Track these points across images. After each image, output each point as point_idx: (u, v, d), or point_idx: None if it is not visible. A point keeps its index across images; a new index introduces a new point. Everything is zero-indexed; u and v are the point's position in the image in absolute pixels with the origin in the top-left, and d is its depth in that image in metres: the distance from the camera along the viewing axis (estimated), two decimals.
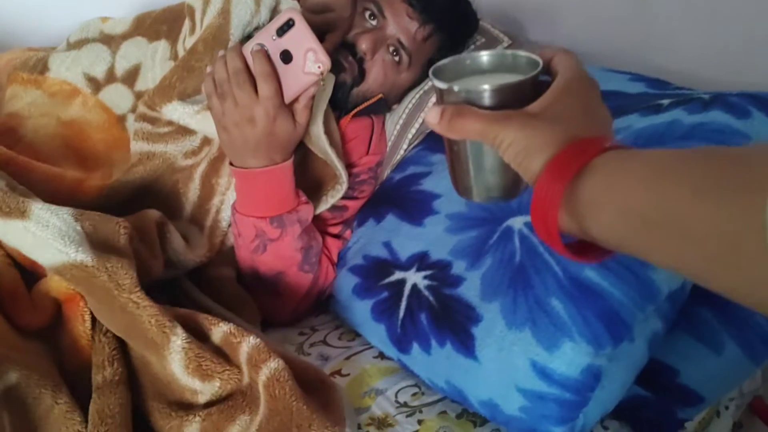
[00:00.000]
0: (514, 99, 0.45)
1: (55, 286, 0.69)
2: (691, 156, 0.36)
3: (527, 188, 0.49)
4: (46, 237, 0.64)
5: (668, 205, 0.34)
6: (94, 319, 0.69)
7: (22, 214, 0.65)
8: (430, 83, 1.05)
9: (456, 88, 0.46)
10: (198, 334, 0.68)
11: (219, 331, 0.69)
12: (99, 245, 0.67)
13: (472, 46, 1.10)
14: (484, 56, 0.51)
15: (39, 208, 0.66)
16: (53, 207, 0.67)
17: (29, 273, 0.71)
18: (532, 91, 0.45)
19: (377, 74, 0.98)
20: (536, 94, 0.45)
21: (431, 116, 0.47)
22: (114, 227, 0.71)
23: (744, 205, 0.30)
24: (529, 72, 0.46)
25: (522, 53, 0.49)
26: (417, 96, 1.06)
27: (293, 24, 0.74)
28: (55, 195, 0.73)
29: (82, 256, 0.64)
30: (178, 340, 0.65)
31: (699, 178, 0.34)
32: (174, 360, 0.65)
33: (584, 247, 0.44)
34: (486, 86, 0.45)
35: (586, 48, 1.12)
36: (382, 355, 0.85)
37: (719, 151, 0.37)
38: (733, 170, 0.33)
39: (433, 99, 1.03)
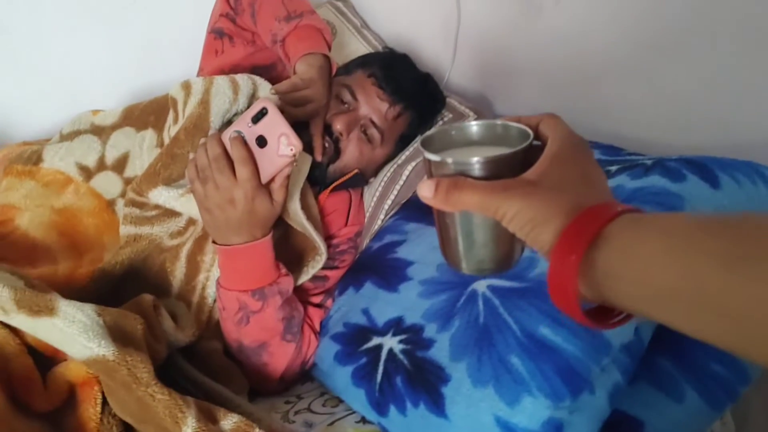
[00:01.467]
0: (507, 169, 0.45)
1: (75, 369, 0.73)
2: (711, 225, 0.35)
3: (520, 259, 0.50)
4: (72, 332, 0.70)
5: (697, 278, 0.33)
6: (103, 403, 0.73)
7: (51, 311, 0.71)
8: (403, 157, 1.13)
9: (449, 160, 0.45)
10: (210, 420, 0.73)
11: (229, 421, 0.74)
12: (119, 338, 0.73)
13: (440, 122, 1.18)
14: (474, 126, 0.51)
15: (65, 305, 0.72)
16: (78, 303, 0.73)
17: (45, 357, 0.75)
18: (524, 159, 0.45)
19: (352, 152, 1.06)
20: (528, 161, 0.45)
21: (425, 190, 0.45)
22: (132, 322, 0.77)
23: None
24: (519, 141, 0.46)
25: (512, 124, 0.49)
26: (391, 169, 1.13)
27: (266, 112, 0.80)
28: (52, 289, 0.78)
29: (104, 350, 0.70)
30: (189, 430, 0.69)
31: (727, 249, 0.33)
32: None
33: (603, 312, 0.43)
34: (481, 158, 0.44)
35: None
36: (364, 420, 0.88)
37: (736, 219, 0.35)
38: (760, 241, 0.32)
39: (407, 172, 1.10)
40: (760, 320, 0.31)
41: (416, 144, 1.15)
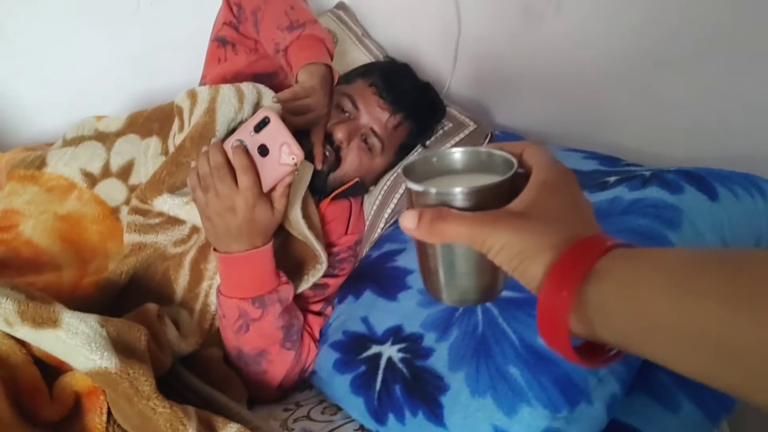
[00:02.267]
0: (492, 199, 0.43)
1: (81, 379, 0.74)
2: (710, 262, 0.35)
3: (502, 291, 0.49)
4: (75, 344, 0.70)
5: (697, 317, 0.33)
6: (109, 412, 0.74)
7: (54, 323, 0.71)
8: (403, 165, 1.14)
9: (432, 190, 0.44)
10: (210, 431, 0.74)
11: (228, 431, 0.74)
12: (122, 349, 0.74)
13: (441, 131, 1.19)
14: (457, 154, 0.49)
15: (69, 317, 0.73)
16: (81, 314, 0.74)
17: (51, 367, 0.76)
18: (508, 189, 0.44)
19: (352, 160, 1.07)
20: (512, 191, 0.44)
21: (407, 221, 0.44)
22: (136, 333, 0.78)
23: None
24: (503, 169, 0.45)
25: (497, 152, 0.47)
26: (391, 178, 1.14)
27: (269, 121, 0.81)
28: (57, 298, 0.78)
29: (106, 363, 0.70)
30: None
31: (727, 289, 0.32)
32: None
33: (592, 349, 0.42)
34: (465, 188, 0.43)
35: (545, 128, 1.22)
36: (362, 428, 0.88)
37: (735, 256, 0.35)
38: (761, 280, 0.31)
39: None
40: (764, 362, 0.30)
41: (415, 154, 1.16)
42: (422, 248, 0.47)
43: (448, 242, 0.44)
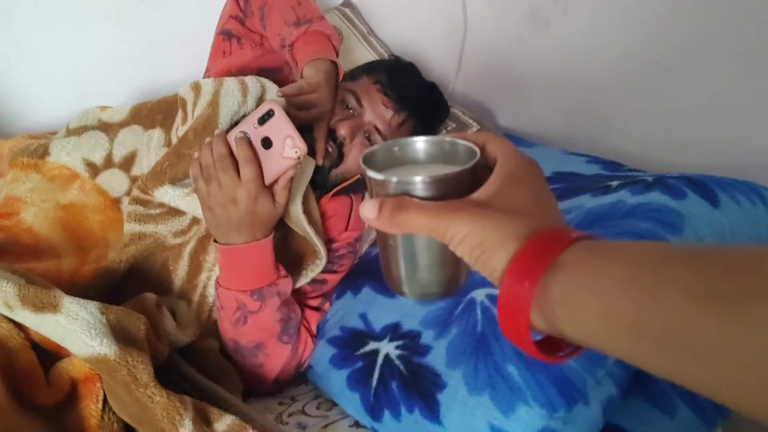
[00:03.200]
0: (454, 189, 0.42)
1: (77, 365, 0.74)
2: (680, 257, 0.33)
3: (465, 283, 0.48)
4: (75, 330, 0.70)
5: (665, 312, 0.31)
6: (104, 400, 0.74)
7: (54, 308, 0.71)
8: None
9: (393, 179, 0.42)
10: (205, 422, 0.74)
11: (223, 423, 0.74)
12: (121, 337, 0.74)
13: (444, 131, 1.19)
14: (419, 143, 0.48)
15: (69, 302, 0.73)
16: (82, 301, 0.74)
17: (48, 353, 0.76)
18: (471, 179, 0.43)
19: (355, 157, 1.07)
20: (475, 182, 0.43)
21: (367, 210, 0.42)
22: (135, 322, 0.78)
23: (752, 319, 0.29)
24: (466, 159, 0.44)
25: (460, 141, 0.46)
26: None
27: (273, 114, 0.81)
28: (56, 285, 0.78)
29: (106, 349, 0.70)
30: (185, 431, 0.70)
31: (698, 285, 0.31)
32: None
33: (551, 344, 0.41)
34: (426, 177, 0.42)
35: (548, 131, 1.22)
36: (357, 424, 0.88)
37: (707, 253, 0.33)
38: (734, 277, 0.30)
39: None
40: (732, 362, 0.29)
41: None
42: (383, 240, 0.45)
43: (409, 233, 0.42)
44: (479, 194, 0.41)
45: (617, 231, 0.75)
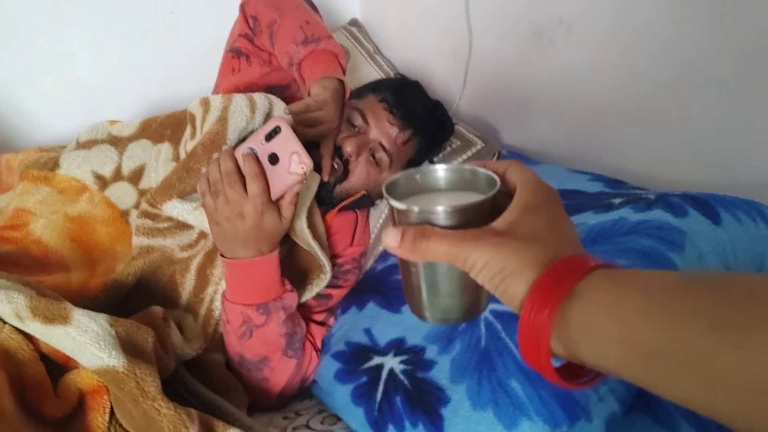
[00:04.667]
0: (475, 218, 0.43)
1: (85, 377, 0.74)
2: (695, 285, 0.34)
3: (485, 309, 0.49)
4: (84, 341, 0.71)
5: (681, 340, 0.32)
6: (111, 412, 0.74)
7: (64, 319, 0.72)
8: None
9: (415, 208, 0.43)
10: None
11: None
12: (129, 349, 0.75)
13: (449, 148, 1.20)
14: (440, 171, 0.49)
15: (79, 314, 0.74)
16: (92, 313, 0.75)
17: (57, 364, 0.76)
18: (491, 207, 0.44)
19: (360, 173, 1.08)
20: (496, 209, 0.44)
21: (390, 239, 0.43)
22: (143, 335, 0.79)
23: (766, 346, 0.29)
24: (486, 187, 0.45)
25: (480, 170, 0.47)
26: None
27: (280, 130, 0.82)
28: (64, 297, 0.79)
29: (114, 361, 0.71)
30: None
31: (713, 313, 0.32)
32: None
33: (571, 370, 0.41)
34: (447, 206, 0.43)
35: (552, 149, 1.23)
36: None
37: (722, 280, 0.34)
38: (748, 306, 0.31)
39: None
40: (748, 388, 0.30)
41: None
42: (405, 266, 0.47)
43: (430, 261, 0.44)
44: (499, 223, 0.42)
45: (619, 248, 0.76)
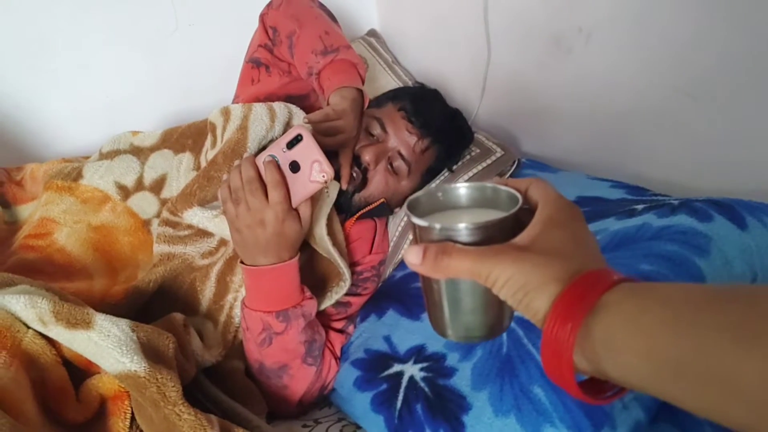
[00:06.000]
0: (497, 235, 0.43)
1: (107, 383, 0.75)
2: (718, 298, 0.34)
3: (509, 326, 0.48)
4: (106, 346, 0.72)
5: (706, 352, 0.32)
6: (132, 417, 0.75)
7: (87, 324, 0.73)
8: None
9: (437, 225, 0.44)
10: None
11: None
12: (151, 355, 0.75)
13: (468, 157, 1.20)
14: (462, 189, 0.49)
15: (102, 319, 0.74)
16: (114, 318, 0.75)
17: (79, 369, 0.77)
18: (513, 224, 0.44)
19: (379, 182, 1.08)
20: (517, 226, 0.44)
21: (412, 256, 0.44)
22: (164, 341, 0.79)
23: None
24: (508, 205, 0.45)
25: (502, 187, 0.47)
26: None
27: (301, 139, 0.83)
28: (87, 304, 0.80)
29: (136, 366, 0.71)
30: None
31: (738, 325, 0.32)
32: None
33: (596, 384, 0.41)
34: (469, 223, 0.43)
35: (572, 157, 1.22)
36: None
37: (745, 292, 0.34)
38: None
39: None
40: None
41: (441, 178, 1.17)
42: (427, 283, 0.47)
43: (452, 277, 0.44)
44: (521, 238, 0.42)
45: (644, 253, 0.75)
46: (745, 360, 0.30)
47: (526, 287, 0.40)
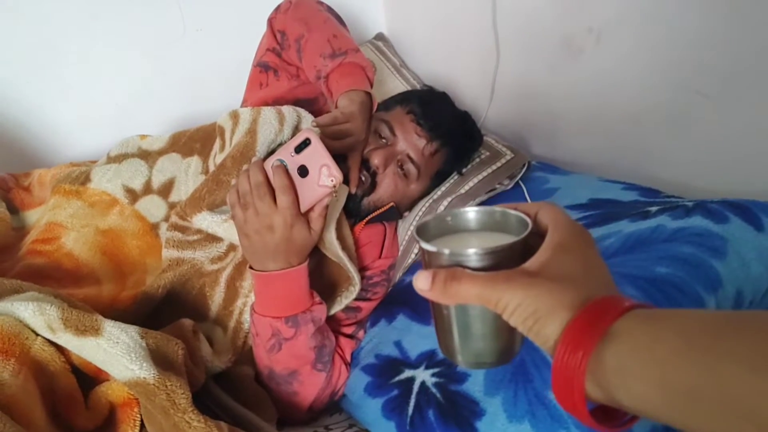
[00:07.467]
0: (506, 260, 0.43)
1: (116, 390, 0.74)
2: (732, 324, 0.34)
3: (519, 352, 0.48)
4: (115, 353, 0.71)
5: (721, 381, 0.32)
6: (141, 424, 0.74)
7: (96, 331, 0.72)
8: (439, 192, 1.14)
9: (446, 250, 0.43)
10: None
11: None
12: (160, 361, 0.74)
13: (477, 159, 1.19)
14: (471, 213, 0.49)
15: (110, 326, 0.73)
16: (123, 325, 0.75)
17: (88, 377, 0.76)
18: (523, 249, 0.44)
19: (388, 185, 1.07)
20: (527, 251, 0.43)
21: (421, 282, 0.43)
22: (174, 347, 0.79)
23: None
24: (518, 229, 0.45)
25: (511, 212, 0.47)
26: (426, 204, 1.14)
27: (309, 143, 0.82)
28: (95, 310, 0.79)
29: (145, 373, 0.71)
30: None
31: (753, 352, 0.31)
32: None
33: (608, 412, 0.40)
34: (478, 249, 0.43)
35: (582, 159, 1.21)
36: None
37: (760, 318, 0.33)
38: None
39: (442, 207, 1.11)
40: None
41: (451, 181, 1.16)
42: (437, 309, 0.46)
43: (462, 303, 0.43)
44: (531, 264, 0.42)
45: (659, 256, 0.74)
46: (762, 389, 0.30)
47: (536, 314, 0.40)
